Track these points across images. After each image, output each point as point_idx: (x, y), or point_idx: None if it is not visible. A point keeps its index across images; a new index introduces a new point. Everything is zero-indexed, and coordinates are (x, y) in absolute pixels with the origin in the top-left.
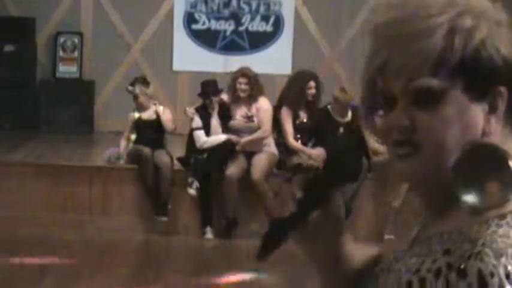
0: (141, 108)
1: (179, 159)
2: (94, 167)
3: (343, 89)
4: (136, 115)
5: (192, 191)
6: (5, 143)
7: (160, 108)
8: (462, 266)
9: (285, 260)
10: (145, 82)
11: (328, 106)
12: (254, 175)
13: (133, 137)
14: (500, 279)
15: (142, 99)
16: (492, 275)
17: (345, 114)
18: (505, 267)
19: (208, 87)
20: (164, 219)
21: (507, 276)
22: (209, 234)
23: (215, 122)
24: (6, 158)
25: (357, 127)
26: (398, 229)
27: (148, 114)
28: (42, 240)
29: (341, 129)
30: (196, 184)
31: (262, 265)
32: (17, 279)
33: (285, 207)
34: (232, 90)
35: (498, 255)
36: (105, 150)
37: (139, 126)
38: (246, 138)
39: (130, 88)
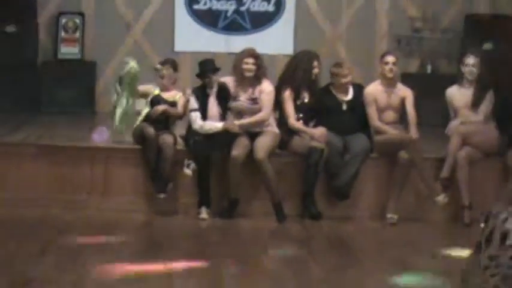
0: (163, 88)
1: (182, 137)
2: (95, 148)
3: (338, 64)
4: (157, 91)
5: (188, 171)
6: (7, 124)
7: (179, 95)
8: None
9: (288, 242)
10: (174, 65)
11: (330, 85)
12: (257, 154)
13: (145, 111)
14: None
15: (166, 80)
16: None
17: (346, 91)
18: None
19: (206, 65)
20: (162, 196)
21: None
22: (204, 214)
23: (212, 103)
24: (8, 139)
25: (359, 105)
26: (401, 208)
27: (168, 95)
28: (43, 221)
29: (344, 107)
30: (193, 165)
31: (265, 247)
32: (17, 259)
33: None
34: (239, 70)
35: None
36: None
37: (156, 102)
38: (244, 121)
39: (158, 67)
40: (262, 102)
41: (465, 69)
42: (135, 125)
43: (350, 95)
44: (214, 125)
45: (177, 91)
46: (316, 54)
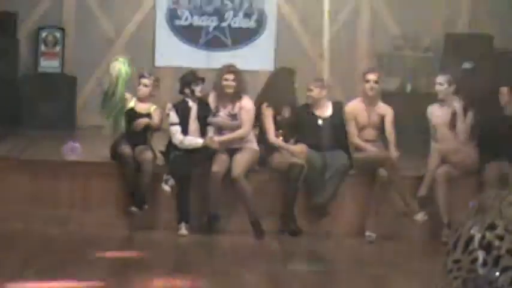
0: (140, 99)
1: (162, 153)
2: (75, 163)
3: (315, 80)
4: (132, 104)
5: (166, 188)
6: None
7: (154, 107)
8: None
9: (267, 259)
10: (158, 81)
11: (310, 104)
12: (234, 172)
13: (122, 123)
14: None
15: (148, 90)
16: None
17: (324, 108)
18: None
19: (187, 77)
20: (136, 211)
21: None
22: (183, 230)
23: (193, 118)
24: None
25: (337, 122)
26: (379, 226)
27: (142, 108)
28: (23, 236)
29: (320, 122)
30: (171, 181)
31: (245, 264)
32: None
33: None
34: (219, 86)
35: None
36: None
37: (130, 116)
38: (223, 137)
39: (146, 74)
40: (242, 118)
41: (436, 88)
42: (112, 141)
43: (328, 112)
44: (195, 140)
45: (151, 104)
46: (295, 71)
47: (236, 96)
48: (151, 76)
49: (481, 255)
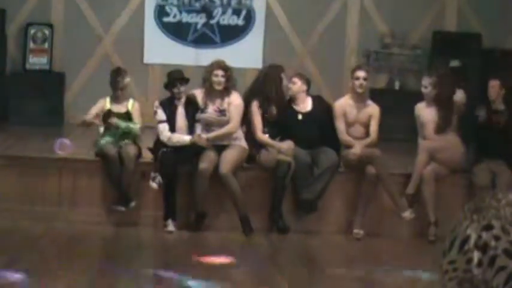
0: (117, 99)
1: (150, 150)
2: (63, 159)
3: (297, 75)
4: (107, 105)
5: (154, 185)
6: None
7: (131, 101)
8: None
9: (254, 256)
10: (125, 73)
11: (290, 100)
12: (222, 169)
13: (101, 129)
14: None
15: (125, 90)
16: None
17: (303, 103)
18: None
19: (174, 75)
20: (121, 209)
21: None
22: (170, 227)
23: (180, 115)
24: None
25: (318, 116)
26: (367, 224)
27: (119, 107)
28: (11, 232)
29: (299, 117)
30: (159, 178)
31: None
32: None
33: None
34: (208, 82)
35: None
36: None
37: (108, 117)
38: (211, 134)
39: (127, 80)
40: (231, 114)
41: (423, 90)
42: (96, 141)
43: (308, 107)
44: (182, 137)
45: (127, 101)
46: (283, 68)
47: (225, 92)
48: (124, 77)
49: (476, 255)
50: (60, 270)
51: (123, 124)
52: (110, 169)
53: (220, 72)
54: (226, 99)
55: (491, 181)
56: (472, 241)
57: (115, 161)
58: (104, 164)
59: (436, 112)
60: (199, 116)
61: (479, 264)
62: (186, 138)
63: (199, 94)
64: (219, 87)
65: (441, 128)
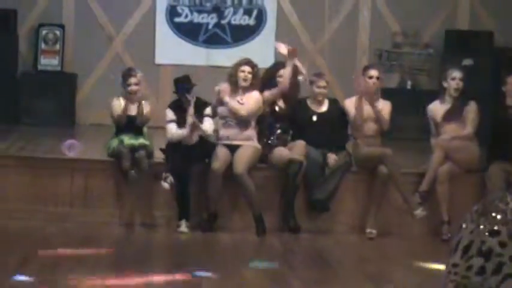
0: (131, 99)
1: (162, 150)
2: (75, 160)
3: (318, 74)
4: (122, 105)
5: (166, 185)
6: None
7: (142, 102)
8: None
9: (267, 256)
10: (137, 73)
11: (307, 99)
12: (237, 169)
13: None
14: None
15: (139, 89)
16: None
17: (320, 104)
18: None
19: (181, 84)
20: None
21: None
22: (183, 228)
23: (190, 117)
24: None
25: (333, 119)
26: (380, 223)
27: (131, 109)
28: (23, 233)
29: (314, 118)
30: (170, 178)
31: (245, 261)
32: None
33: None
34: (234, 77)
35: None
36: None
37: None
38: (230, 103)
39: (139, 79)
40: (248, 102)
41: (451, 84)
42: (109, 143)
43: (324, 108)
44: (179, 131)
45: (137, 99)
46: (283, 64)
47: (249, 88)
48: (137, 75)
49: (477, 262)
50: (72, 271)
51: (136, 143)
52: (122, 166)
53: (247, 68)
54: (247, 94)
55: (505, 181)
56: (475, 247)
57: (127, 157)
58: (118, 164)
59: (449, 106)
60: (217, 108)
61: (480, 272)
62: (184, 131)
63: (223, 88)
64: (245, 83)
65: (451, 114)
